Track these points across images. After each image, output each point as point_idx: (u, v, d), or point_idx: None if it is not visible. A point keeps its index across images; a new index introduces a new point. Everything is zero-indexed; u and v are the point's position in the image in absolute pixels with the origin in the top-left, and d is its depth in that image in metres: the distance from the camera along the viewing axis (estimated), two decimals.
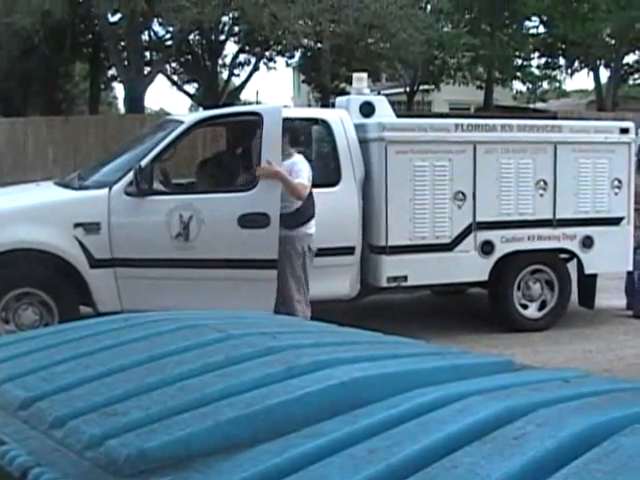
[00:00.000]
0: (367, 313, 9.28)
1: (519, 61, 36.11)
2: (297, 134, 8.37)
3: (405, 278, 8.89)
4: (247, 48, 34.80)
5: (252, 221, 8.00)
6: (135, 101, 29.93)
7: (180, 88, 36.77)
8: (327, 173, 8.89)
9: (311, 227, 8.10)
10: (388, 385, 2.07)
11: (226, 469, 1.65)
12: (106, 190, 7.96)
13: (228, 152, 9.87)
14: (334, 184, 8.72)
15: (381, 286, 8.91)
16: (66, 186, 8.52)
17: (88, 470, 1.75)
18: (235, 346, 2.36)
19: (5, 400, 2.21)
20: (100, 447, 1.79)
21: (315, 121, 9.21)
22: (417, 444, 1.67)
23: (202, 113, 10.67)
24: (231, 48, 35.47)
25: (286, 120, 8.07)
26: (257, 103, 33.66)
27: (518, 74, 36.16)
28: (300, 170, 7.96)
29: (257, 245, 8.01)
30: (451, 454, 1.63)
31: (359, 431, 1.75)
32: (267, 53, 34.74)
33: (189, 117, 9.15)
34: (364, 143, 8.88)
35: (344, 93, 23.56)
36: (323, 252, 8.48)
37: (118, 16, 30.34)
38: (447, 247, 9.05)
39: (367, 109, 9.26)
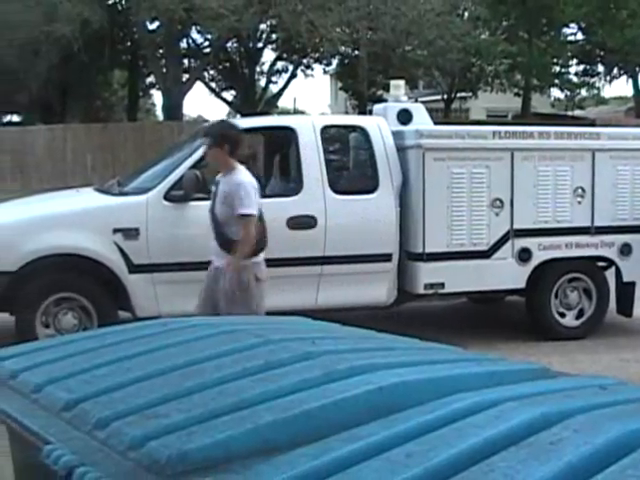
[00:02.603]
0: (403, 320, 9.27)
1: (557, 68, 35.93)
2: (238, 142, 6.99)
3: (442, 285, 8.87)
4: (284, 55, 34.95)
5: (300, 223, 8.36)
6: (173, 108, 30.11)
7: (218, 95, 36.98)
8: (365, 180, 8.92)
9: (260, 255, 6.95)
10: (425, 390, 2.09)
11: (265, 472, 1.67)
12: (145, 196, 8.04)
13: (267, 159, 9.92)
14: (372, 191, 8.72)
15: (418, 293, 8.91)
16: (106, 192, 8.60)
17: (130, 470, 1.79)
18: (273, 351, 2.39)
19: (49, 401, 2.25)
20: (142, 448, 1.82)
21: (353, 128, 9.25)
22: (453, 448, 1.68)
23: (241, 122, 10.68)
24: (269, 55, 35.75)
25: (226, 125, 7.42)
26: (294, 111, 33.71)
27: (556, 81, 35.97)
28: (245, 197, 6.68)
29: (305, 244, 8.37)
30: (487, 459, 1.64)
31: (396, 435, 1.77)
32: (304, 60, 34.87)
33: None
34: (402, 150, 8.88)
35: (381, 100, 23.50)
36: (360, 259, 8.53)
37: (157, 24, 30.57)
38: (484, 254, 9.03)
39: (404, 116, 9.26)
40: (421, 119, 9.38)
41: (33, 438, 2.07)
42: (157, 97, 53.09)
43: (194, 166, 8.14)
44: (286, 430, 1.84)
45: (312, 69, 36.66)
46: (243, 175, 6.83)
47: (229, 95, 38.34)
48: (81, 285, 7.91)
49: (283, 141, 9.19)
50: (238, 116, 33.74)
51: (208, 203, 8.12)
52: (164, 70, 30.96)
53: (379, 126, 8.87)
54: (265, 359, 2.29)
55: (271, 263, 8.23)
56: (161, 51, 31.55)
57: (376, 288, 8.70)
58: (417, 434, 1.78)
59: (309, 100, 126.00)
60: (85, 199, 8.70)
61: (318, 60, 34.78)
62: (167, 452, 1.77)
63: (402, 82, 9.93)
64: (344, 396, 1.99)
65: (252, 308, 6.60)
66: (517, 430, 1.77)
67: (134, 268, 7.87)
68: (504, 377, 2.35)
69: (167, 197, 8.01)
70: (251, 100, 34.38)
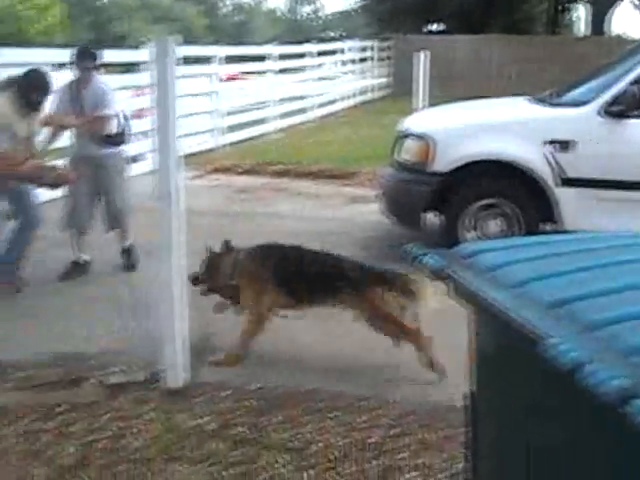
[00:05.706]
0: None
1: None
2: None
3: None
4: None
5: None
6: (598, 24, 29.21)
7: None
8: None
9: None
10: None
11: None
12: (581, 109, 7.83)
13: None
14: None
15: None
16: (540, 102, 8.50)
17: (633, 373, 1.77)
18: None
19: (535, 297, 2.27)
20: None
21: None
22: None
23: None
24: None
25: None
26: None
27: None
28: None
29: None
30: None
31: None
32: None
33: None
34: None
35: None
36: None
37: None
38: None
39: None
40: None
41: (525, 331, 2.09)
42: (580, 11, 51.67)
43: (636, 82, 7.79)
44: None
45: None
46: None
47: None
48: (508, 193, 7.91)
49: None
50: None
51: None
52: None
53: None
54: None
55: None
56: None
57: None
58: None
59: None
60: (518, 109, 8.67)
61: None
62: None
63: None
64: None
65: None
66: None
67: (564, 181, 7.74)
68: None
69: (604, 111, 7.74)
70: None
